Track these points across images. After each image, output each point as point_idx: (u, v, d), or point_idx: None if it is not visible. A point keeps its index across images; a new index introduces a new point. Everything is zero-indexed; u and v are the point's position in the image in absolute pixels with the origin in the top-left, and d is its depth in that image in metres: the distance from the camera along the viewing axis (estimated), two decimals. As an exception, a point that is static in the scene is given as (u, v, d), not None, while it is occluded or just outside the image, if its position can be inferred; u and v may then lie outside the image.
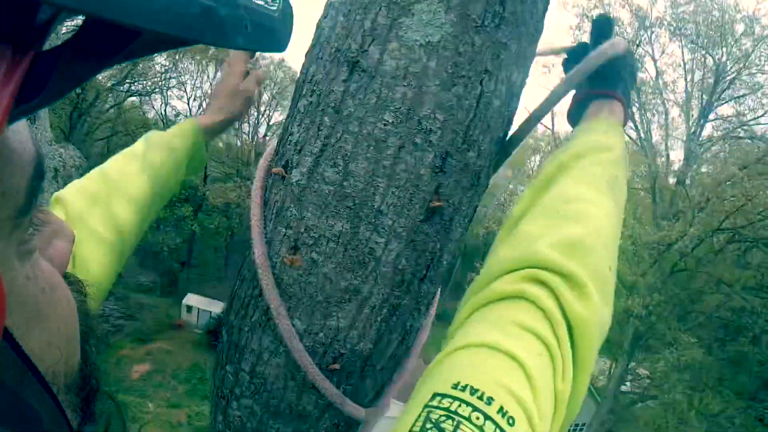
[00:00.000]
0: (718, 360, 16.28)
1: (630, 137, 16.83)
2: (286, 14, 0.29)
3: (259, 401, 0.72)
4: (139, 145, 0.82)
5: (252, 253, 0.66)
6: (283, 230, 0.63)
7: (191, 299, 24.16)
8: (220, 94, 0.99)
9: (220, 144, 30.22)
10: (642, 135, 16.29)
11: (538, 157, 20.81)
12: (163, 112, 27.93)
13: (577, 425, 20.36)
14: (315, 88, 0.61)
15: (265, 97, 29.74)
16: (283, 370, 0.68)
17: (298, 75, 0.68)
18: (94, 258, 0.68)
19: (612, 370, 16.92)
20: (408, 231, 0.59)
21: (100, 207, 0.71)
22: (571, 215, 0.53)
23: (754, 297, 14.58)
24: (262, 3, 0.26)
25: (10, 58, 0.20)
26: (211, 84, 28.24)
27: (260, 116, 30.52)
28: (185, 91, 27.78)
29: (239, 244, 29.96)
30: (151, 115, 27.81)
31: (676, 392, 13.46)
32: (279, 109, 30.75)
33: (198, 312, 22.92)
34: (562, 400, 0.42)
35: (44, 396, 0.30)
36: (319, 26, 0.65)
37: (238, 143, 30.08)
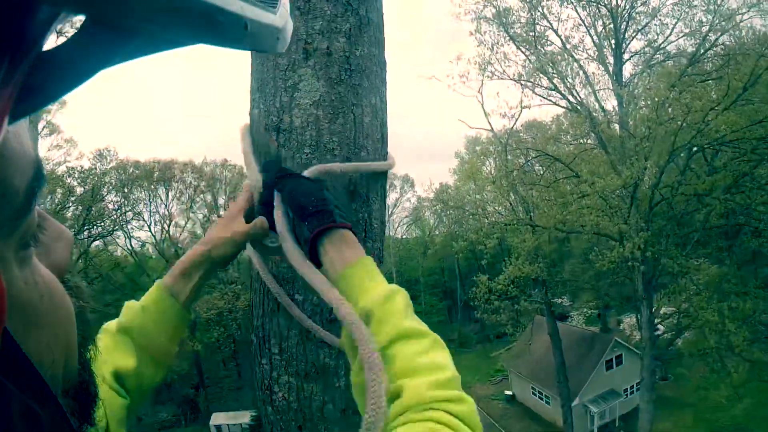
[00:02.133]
0: (732, 266, 16.55)
1: (562, 106, 17.69)
2: (286, 14, 0.30)
3: (291, 372, 1.03)
4: (113, 323, 0.82)
5: (254, 269, 1.00)
6: (270, 244, 0.98)
7: (217, 418, 23.56)
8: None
9: (192, 261, 30.12)
10: (572, 99, 17.11)
11: (491, 160, 21.65)
12: (129, 247, 27.89)
13: (630, 387, 20.32)
14: (261, 151, 0.98)
15: (221, 200, 30.14)
16: (299, 337, 1.01)
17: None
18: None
19: (640, 321, 17.02)
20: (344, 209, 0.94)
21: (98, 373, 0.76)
22: (426, 366, 0.66)
23: (734, 195, 14.88)
24: (262, 4, 0.27)
25: (10, 59, 0.20)
26: (166, 206, 28.45)
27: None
28: (143, 219, 27.84)
29: (245, 348, 29.48)
30: (118, 252, 27.80)
31: (706, 313, 13.59)
32: (237, 209, 30.90)
33: (228, 428, 22.32)
34: None
35: (45, 398, 0.30)
36: (251, 114, 1.03)
37: (207, 252, 30.08)
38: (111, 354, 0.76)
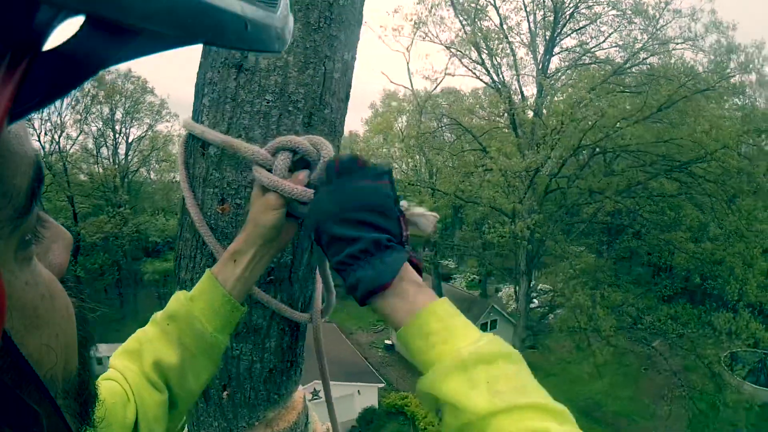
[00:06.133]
0: (609, 259, 18.45)
1: (485, 81, 18.19)
2: (286, 14, 0.30)
3: None
4: (160, 312, 0.79)
5: (189, 215, 0.91)
6: (211, 190, 0.89)
7: (99, 349, 22.46)
8: (252, 240, 0.77)
9: (82, 176, 27.60)
10: (495, 78, 17.60)
11: (404, 118, 21.69)
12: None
13: (499, 349, 22.38)
14: (215, 87, 0.87)
15: (118, 114, 27.64)
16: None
17: (195, 81, 0.92)
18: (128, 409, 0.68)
19: (517, 293, 18.52)
20: (298, 169, 0.88)
21: (136, 364, 0.72)
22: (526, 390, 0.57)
23: (625, 198, 16.44)
24: (262, 3, 0.27)
25: (10, 59, 0.20)
26: (59, 114, 25.34)
27: (117, 136, 28.29)
28: (33, 127, 24.60)
29: (129, 278, 27.75)
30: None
31: (578, 296, 15.08)
32: (134, 124, 28.57)
33: (108, 361, 21.34)
34: None
35: (43, 399, 0.30)
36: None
37: (100, 170, 27.77)
38: (153, 344, 0.74)
